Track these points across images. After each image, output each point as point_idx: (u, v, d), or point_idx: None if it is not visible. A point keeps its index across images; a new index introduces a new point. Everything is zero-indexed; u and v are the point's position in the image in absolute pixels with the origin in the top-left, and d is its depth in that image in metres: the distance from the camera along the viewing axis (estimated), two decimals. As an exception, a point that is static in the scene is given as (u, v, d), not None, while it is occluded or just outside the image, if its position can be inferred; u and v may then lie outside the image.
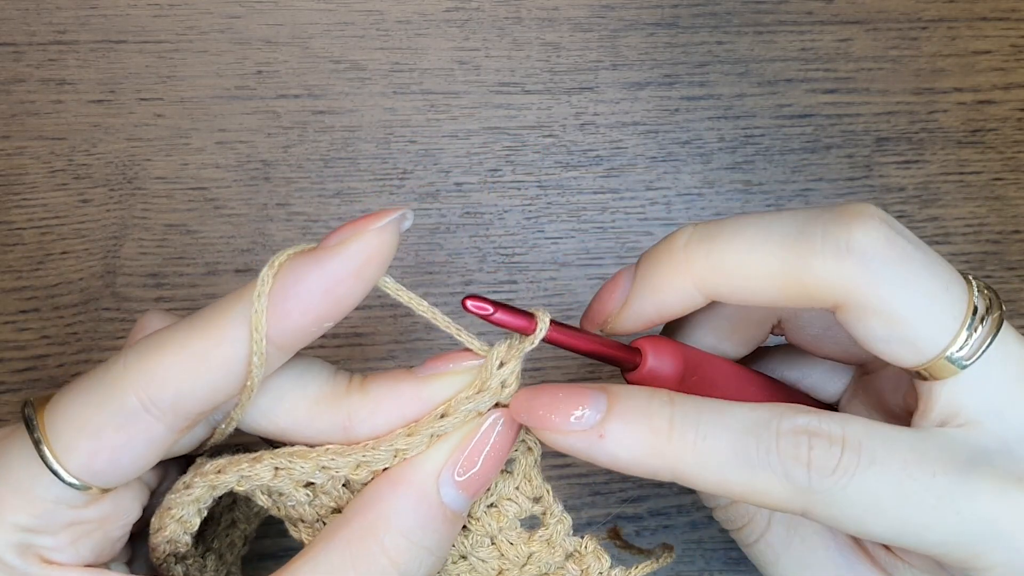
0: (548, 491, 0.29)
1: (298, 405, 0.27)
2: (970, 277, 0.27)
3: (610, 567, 0.29)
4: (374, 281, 0.25)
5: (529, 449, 0.29)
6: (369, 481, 0.27)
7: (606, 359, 0.28)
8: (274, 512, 0.29)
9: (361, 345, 0.44)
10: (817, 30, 0.48)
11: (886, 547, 0.29)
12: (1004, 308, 0.26)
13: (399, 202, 0.46)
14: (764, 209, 0.46)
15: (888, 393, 0.31)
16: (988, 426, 0.26)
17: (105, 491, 0.26)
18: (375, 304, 0.44)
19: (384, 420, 0.27)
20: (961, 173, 0.47)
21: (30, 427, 0.26)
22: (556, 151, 0.47)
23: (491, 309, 0.26)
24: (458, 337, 0.28)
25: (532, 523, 0.30)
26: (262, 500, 0.28)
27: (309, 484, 0.27)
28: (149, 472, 0.29)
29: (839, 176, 0.47)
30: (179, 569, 0.30)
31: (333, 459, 0.27)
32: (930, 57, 0.48)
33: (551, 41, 0.48)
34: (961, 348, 0.25)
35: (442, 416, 0.27)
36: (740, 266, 0.26)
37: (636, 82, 0.47)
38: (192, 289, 0.44)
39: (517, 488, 0.29)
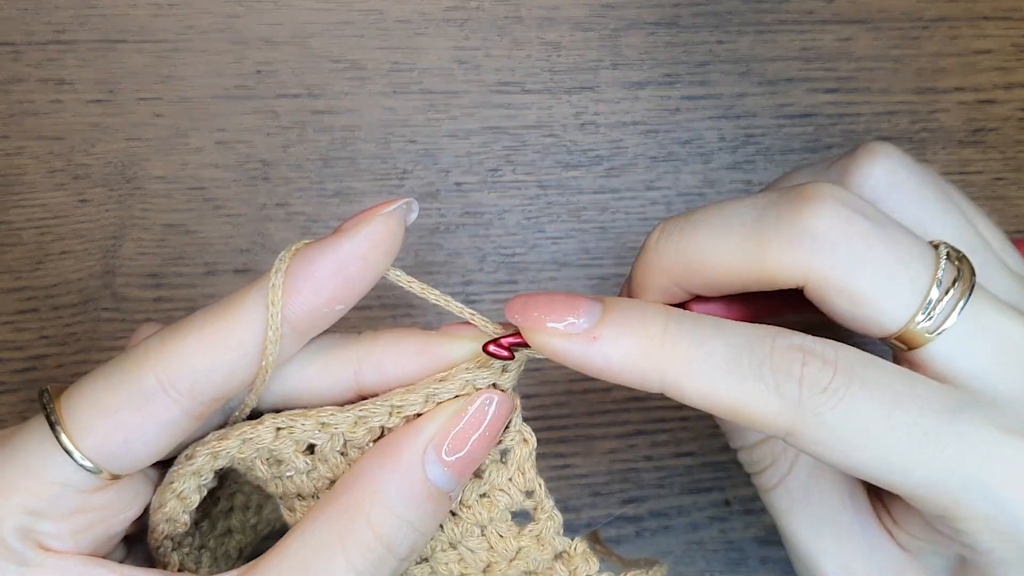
0: (540, 485, 0.29)
1: (310, 360, 0.28)
2: (941, 246, 0.27)
3: (599, 572, 0.29)
4: (382, 266, 0.27)
5: (524, 440, 0.29)
6: (366, 449, 0.28)
7: None
8: (272, 489, 0.29)
9: (361, 345, 0.44)
10: (818, 29, 0.48)
11: (891, 515, 0.29)
12: (976, 276, 0.26)
13: (399, 202, 0.45)
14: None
15: None
16: (973, 386, 0.26)
17: (114, 479, 0.27)
18: (375, 304, 0.44)
19: (391, 369, 0.28)
20: (962, 173, 0.47)
21: (45, 408, 0.26)
22: (556, 151, 0.46)
23: (507, 354, 0.27)
24: (472, 322, 0.28)
25: (523, 519, 0.30)
26: (262, 471, 0.28)
27: (308, 451, 0.28)
28: (153, 471, 0.29)
29: (840, 176, 0.47)
30: (175, 557, 0.30)
31: (332, 415, 0.27)
32: (931, 56, 0.48)
33: (551, 41, 0.48)
34: (926, 319, 0.26)
35: (441, 380, 0.27)
36: (705, 259, 0.27)
37: (636, 82, 0.47)
38: (191, 289, 0.44)
39: (510, 479, 0.29)
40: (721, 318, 0.27)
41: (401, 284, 0.28)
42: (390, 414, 0.27)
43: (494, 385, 0.28)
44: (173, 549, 0.30)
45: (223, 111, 0.46)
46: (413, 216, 0.27)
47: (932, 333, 0.26)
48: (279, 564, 0.26)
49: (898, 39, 0.48)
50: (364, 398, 0.29)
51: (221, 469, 0.28)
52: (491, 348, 0.27)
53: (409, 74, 0.47)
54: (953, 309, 0.26)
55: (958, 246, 0.27)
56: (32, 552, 0.26)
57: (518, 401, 0.29)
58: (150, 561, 0.30)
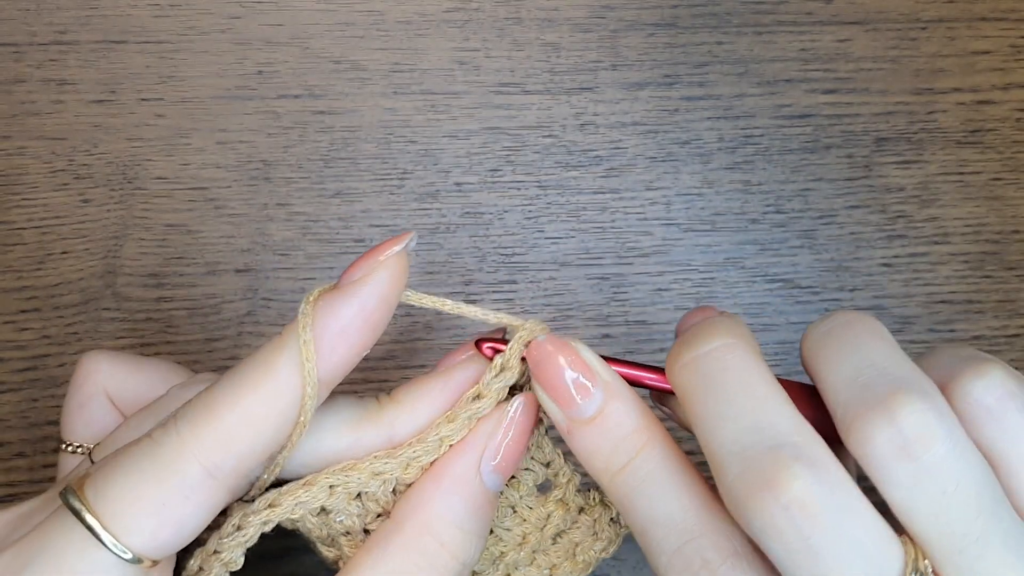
0: (559, 454, 0.31)
1: (341, 433, 0.28)
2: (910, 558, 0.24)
3: (617, 513, 0.31)
4: (396, 304, 0.27)
5: (539, 420, 0.31)
6: (412, 479, 0.28)
7: None
8: (316, 534, 0.29)
9: (361, 345, 0.44)
10: (816, 30, 0.48)
11: None
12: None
13: (399, 202, 0.46)
14: (763, 210, 0.46)
15: None
16: None
17: (154, 565, 0.26)
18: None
19: (425, 419, 0.28)
20: (960, 173, 0.47)
21: (79, 515, 0.25)
22: (556, 151, 0.47)
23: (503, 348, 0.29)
24: (495, 320, 0.29)
25: (544, 488, 0.32)
26: (311, 524, 0.28)
27: (359, 495, 0.28)
28: None
29: (838, 176, 0.47)
30: None
31: (386, 463, 0.28)
32: (929, 57, 0.48)
33: (551, 41, 0.48)
34: None
35: (476, 398, 0.28)
36: None
37: (636, 82, 0.47)
38: (192, 289, 0.44)
39: (532, 457, 0.31)
40: (686, 481, 0.27)
41: (413, 303, 0.28)
42: (440, 446, 0.28)
43: (516, 388, 0.29)
44: None
45: (224, 111, 0.46)
46: (413, 245, 0.28)
47: None
48: None
49: (896, 40, 0.48)
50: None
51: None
52: (485, 348, 0.29)
53: (409, 75, 0.47)
54: None
55: None
56: None
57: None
58: None
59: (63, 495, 0.25)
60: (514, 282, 0.45)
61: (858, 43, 0.48)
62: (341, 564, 0.29)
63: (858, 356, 0.26)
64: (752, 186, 0.47)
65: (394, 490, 0.28)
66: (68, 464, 0.34)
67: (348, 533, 0.29)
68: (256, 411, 0.25)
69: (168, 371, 0.35)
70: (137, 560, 0.25)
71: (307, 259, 0.45)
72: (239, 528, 0.27)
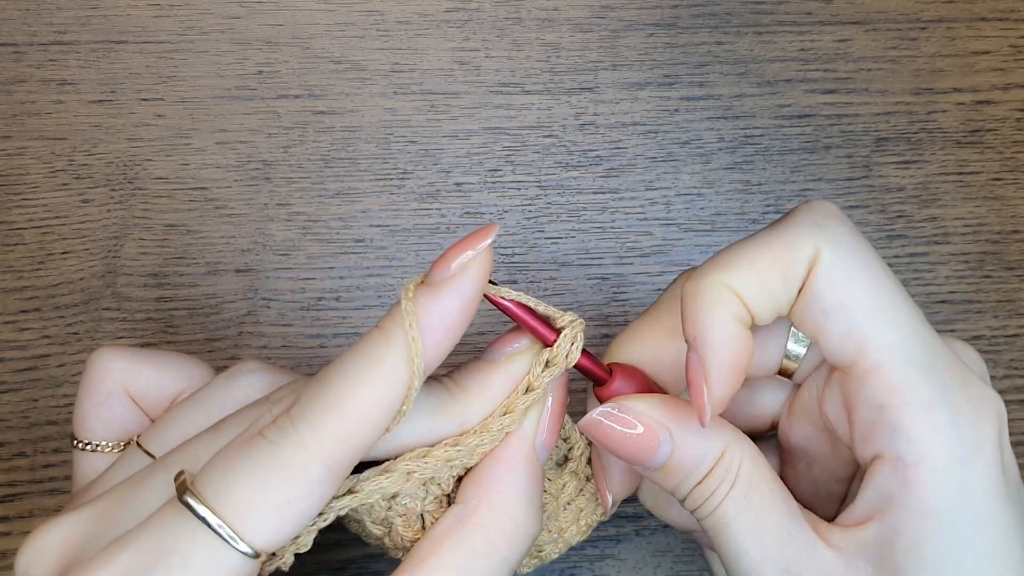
0: (575, 429, 0.33)
1: (419, 422, 0.29)
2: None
3: None
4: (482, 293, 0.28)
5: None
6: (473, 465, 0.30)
7: (582, 371, 0.31)
8: (376, 515, 0.30)
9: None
10: (816, 30, 0.48)
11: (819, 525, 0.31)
12: None
13: (399, 202, 0.46)
14: (763, 210, 0.46)
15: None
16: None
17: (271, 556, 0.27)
18: (375, 304, 0.44)
19: (489, 407, 0.30)
20: (960, 173, 0.47)
21: (205, 520, 0.25)
22: (556, 151, 0.47)
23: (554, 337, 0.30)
24: (542, 310, 0.30)
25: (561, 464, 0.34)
26: (379, 506, 0.30)
27: (427, 481, 0.30)
28: None
29: (838, 176, 0.47)
30: None
31: (458, 450, 0.29)
32: (929, 57, 0.48)
33: (551, 41, 0.48)
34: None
35: (527, 390, 0.30)
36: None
37: (636, 82, 0.47)
38: (192, 289, 0.44)
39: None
40: (773, 519, 0.30)
41: (501, 296, 0.30)
42: (501, 436, 0.30)
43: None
44: None
45: (224, 112, 0.46)
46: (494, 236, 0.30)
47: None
48: None
49: (896, 40, 0.48)
50: None
51: None
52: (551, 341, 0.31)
53: (409, 75, 0.47)
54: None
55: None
56: None
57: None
58: None
59: (184, 500, 0.26)
60: (514, 282, 0.45)
61: (858, 43, 0.48)
62: (387, 541, 0.30)
63: None
64: (752, 186, 0.47)
65: (460, 476, 0.30)
66: (84, 463, 0.34)
67: (404, 515, 0.30)
68: (371, 405, 0.26)
69: (183, 363, 0.35)
70: (257, 555, 0.26)
71: (307, 259, 0.45)
72: (320, 514, 0.28)
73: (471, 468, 0.30)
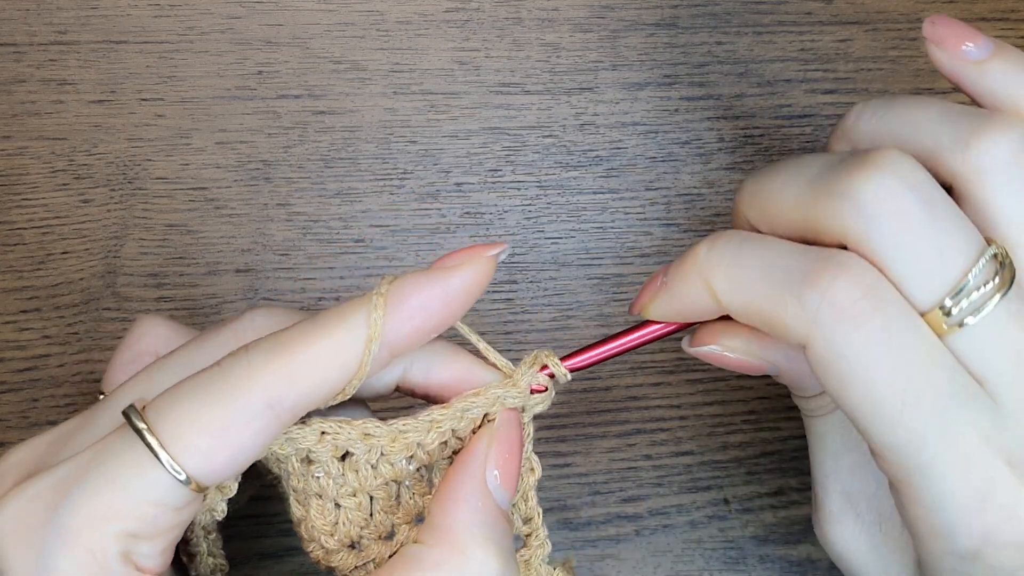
0: (539, 514, 0.31)
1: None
2: (994, 245, 0.27)
3: None
4: (473, 302, 0.29)
5: (532, 469, 0.31)
6: (398, 465, 0.29)
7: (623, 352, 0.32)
8: (294, 483, 0.30)
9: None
10: (816, 31, 0.48)
11: None
12: (1015, 281, 0.26)
13: (399, 202, 0.46)
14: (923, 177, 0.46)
15: None
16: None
17: (201, 491, 0.27)
18: (375, 304, 0.44)
19: (437, 377, 0.30)
20: (960, 173, 0.47)
21: (141, 432, 0.26)
22: (556, 151, 0.47)
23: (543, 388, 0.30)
24: (504, 370, 0.30)
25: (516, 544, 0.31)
26: (294, 467, 0.29)
27: (343, 458, 0.29)
28: None
29: (838, 176, 0.47)
30: (204, 545, 0.31)
31: (377, 427, 0.29)
32: (929, 58, 0.48)
33: (551, 41, 0.48)
34: (950, 310, 0.26)
35: (474, 395, 0.29)
36: (770, 206, 0.29)
37: (636, 82, 0.48)
38: (193, 289, 0.44)
39: (514, 505, 0.31)
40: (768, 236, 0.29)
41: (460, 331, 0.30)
42: (429, 430, 0.29)
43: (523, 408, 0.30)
44: (203, 538, 0.31)
45: (224, 112, 0.46)
46: (503, 257, 0.29)
47: (952, 326, 0.26)
48: None
49: (896, 40, 0.48)
50: (399, 391, 0.31)
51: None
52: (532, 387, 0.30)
53: (409, 75, 0.47)
54: (981, 308, 0.26)
55: None
56: (134, 575, 0.26)
57: (531, 430, 0.31)
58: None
59: (125, 413, 0.26)
60: (514, 282, 0.45)
61: (858, 43, 0.48)
62: (303, 530, 0.30)
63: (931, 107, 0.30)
64: (752, 186, 0.47)
65: (375, 465, 0.29)
66: None
67: (320, 496, 0.29)
68: (323, 355, 0.27)
69: (221, 353, 0.35)
70: (188, 482, 0.26)
71: (307, 259, 0.45)
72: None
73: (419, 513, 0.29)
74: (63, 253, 0.44)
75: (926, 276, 0.26)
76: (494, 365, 0.30)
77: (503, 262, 0.45)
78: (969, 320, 0.26)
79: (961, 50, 0.30)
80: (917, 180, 0.26)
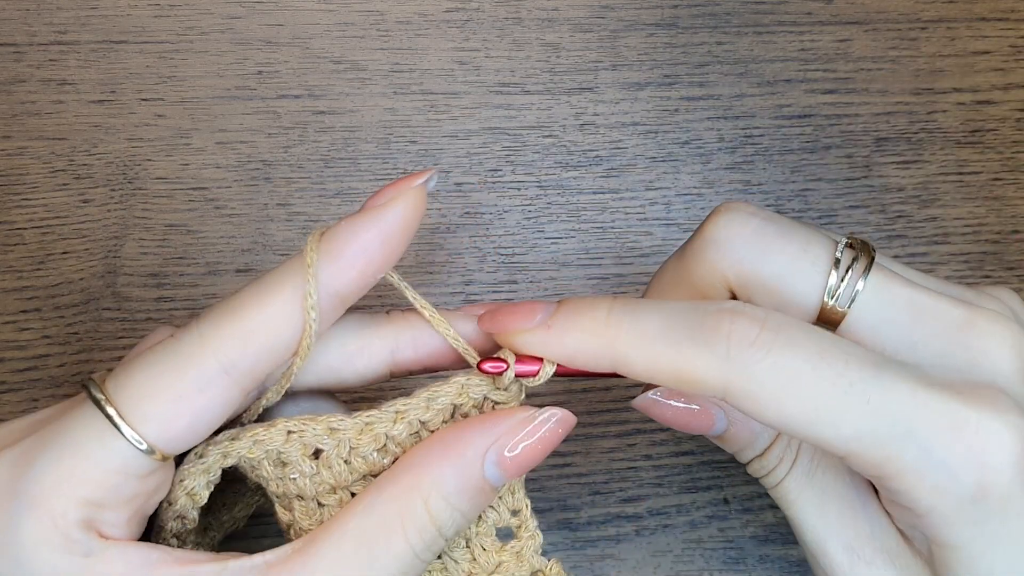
0: (527, 505, 0.31)
1: (350, 339, 0.30)
2: (839, 237, 0.29)
3: None
4: (413, 234, 0.29)
5: None
6: (370, 457, 0.29)
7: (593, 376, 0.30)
8: (272, 488, 0.29)
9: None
10: (816, 30, 0.48)
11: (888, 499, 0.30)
12: (875, 253, 0.29)
13: (399, 202, 0.46)
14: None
15: None
16: (891, 349, 0.28)
17: (164, 460, 0.27)
18: (375, 304, 0.44)
19: (426, 347, 0.30)
20: (960, 173, 0.47)
21: (99, 401, 0.26)
22: (556, 151, 0.47)
23: (505, 366, 0.29)
24: (454, 344, 0.30)
25: (505, 538, 0.31)
26: (267, 471, 0.29)
27: (314, 456, 0.29)
28: None
29: (838, 176, 0.47)
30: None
31: (341, 420, 0.29)
32: (929, 57, 0.48)
33: (551, 41, 0.48)
34: (836, 295, 0.28)
35: (439, 383, 0.29)
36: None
37: (636, 82, 0.48)
38: (193, 289, 0.44)
39: (500, 497, 0.31)
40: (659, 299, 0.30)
41: (394, 284, 0.29)
42: (394, 421, 0.29)
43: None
44: (179, 545, 0.30)
45: (224, 112, 0.46)
46: (433, 184, 0.30)
47: (845, 307, 0.28)
48: (340, 539, 0.27)
49: (896, 40, 0.48)
50: (396, 376, 0.31)
51: (229, 467, 0.29)
52: (485, 366, 0.29)
53: (409, 75, 0.47)
54: (857, 283, 0.28)
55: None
56: (95, 541, 0.26)
57: None
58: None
59: (85, 385, 0.27)
60: (514, 282, 0.45)
61: (858, 43, 0.48)
62: (292, 535, 0.30)
63: None
64: (752, 186, 0.47)
65: (348, 460, 0.29)
66: None
67: (302, 497, 0.29)
68: (272, 314, 0.27)
69: None
70: (150, 451, 0.26)
71: (307, 259, 0.45)
72: (200, 456, 0.28)
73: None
74: (63, 253, 0.44)
75: (801, 272, 0.28)
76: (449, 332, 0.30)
77: (503, 262, 0.45)
78: (857, 296, 0.28)
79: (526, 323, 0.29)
80: (755, 208, 0.30)
